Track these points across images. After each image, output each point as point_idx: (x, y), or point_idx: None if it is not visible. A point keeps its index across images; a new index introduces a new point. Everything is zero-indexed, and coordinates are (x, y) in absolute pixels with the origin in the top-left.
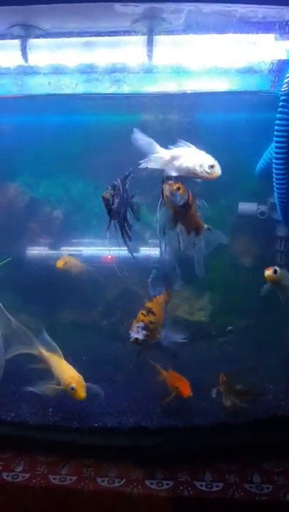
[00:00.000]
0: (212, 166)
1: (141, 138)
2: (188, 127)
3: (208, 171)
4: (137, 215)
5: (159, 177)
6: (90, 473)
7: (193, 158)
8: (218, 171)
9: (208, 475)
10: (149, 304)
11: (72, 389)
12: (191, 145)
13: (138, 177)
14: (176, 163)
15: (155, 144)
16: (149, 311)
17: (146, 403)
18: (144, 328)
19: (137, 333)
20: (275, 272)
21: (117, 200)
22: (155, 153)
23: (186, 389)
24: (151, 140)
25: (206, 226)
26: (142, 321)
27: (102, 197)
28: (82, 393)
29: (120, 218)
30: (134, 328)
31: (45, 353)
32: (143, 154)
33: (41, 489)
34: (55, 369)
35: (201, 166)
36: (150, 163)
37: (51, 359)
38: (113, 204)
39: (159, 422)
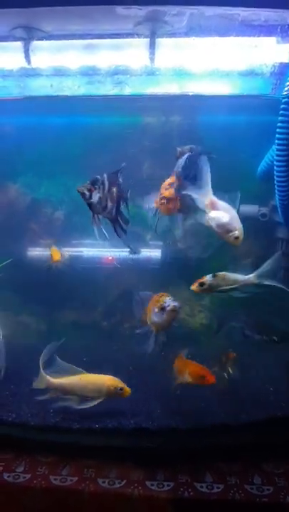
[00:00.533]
0: (236, 238)
1: (203, 165)
2: (190, 129)
3: (231, 239)
4: (126, 210)
5: (159, 179)
6: (91, 474)
7: (227, 221)
8: (238, 243)
9: (208, 476)
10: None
11: (121, 389)
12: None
13: (137, 177)
14: (213, 212)
15: (209, 181)
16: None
17: (147, 404)
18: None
19: (173, 302)
20: (202, 284)
21: (98, 195)
22: (201, 190)
23: (210, 377)
24: (208, 176)
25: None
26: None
27: (77, 190)
28: (127, 388)
29: (109, 213)
30: (166, 301)
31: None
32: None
33: (42, 490)
34: (83, 385)
35: (228, 231)
36: (191, 192)
37: (72, 379)
38: (91, 198)
39: (159, 423)
